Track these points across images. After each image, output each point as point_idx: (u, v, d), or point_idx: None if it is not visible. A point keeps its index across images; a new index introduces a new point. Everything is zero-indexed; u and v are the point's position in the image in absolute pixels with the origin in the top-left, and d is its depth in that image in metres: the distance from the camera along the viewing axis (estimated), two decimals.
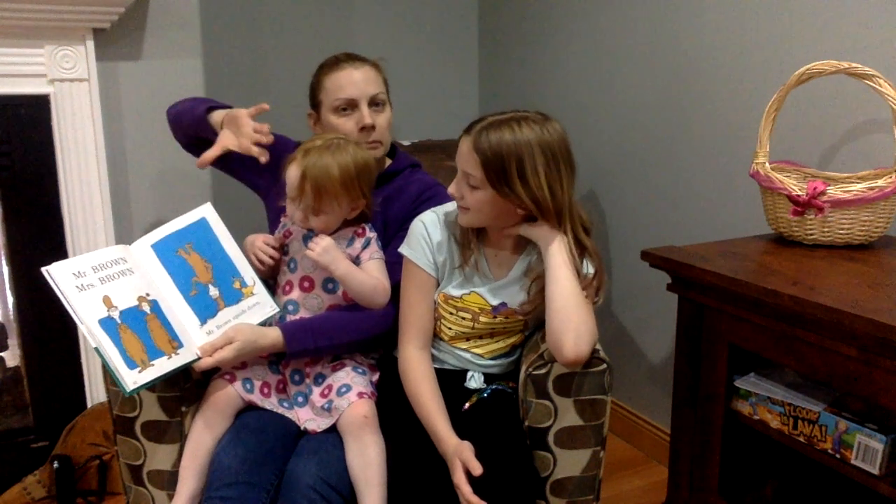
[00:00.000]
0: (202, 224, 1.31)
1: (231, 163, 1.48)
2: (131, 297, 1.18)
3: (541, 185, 1.17)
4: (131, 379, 1.12)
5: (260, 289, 1.34)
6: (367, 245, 1.37)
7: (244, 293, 1.32)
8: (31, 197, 1.83)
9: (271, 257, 1.38)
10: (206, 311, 1.26)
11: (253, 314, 1.32)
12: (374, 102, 1.44)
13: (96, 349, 1.12)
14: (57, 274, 1.12)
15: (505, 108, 2.80)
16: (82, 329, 1.12)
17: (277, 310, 1.35)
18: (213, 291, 1.28)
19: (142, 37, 1.90)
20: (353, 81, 1.43)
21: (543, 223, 1.22)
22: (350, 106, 1.43)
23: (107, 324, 1.13)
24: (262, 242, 1.38)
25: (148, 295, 1.21)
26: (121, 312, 1.16)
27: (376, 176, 1.41)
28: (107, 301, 1.15)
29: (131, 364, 1.12)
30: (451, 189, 1.25)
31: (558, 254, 1.20)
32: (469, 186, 1.22)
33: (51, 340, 1.90)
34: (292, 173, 1.30)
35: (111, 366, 1.11)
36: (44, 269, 1.12)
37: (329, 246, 1.30)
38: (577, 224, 1.23)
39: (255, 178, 1.53)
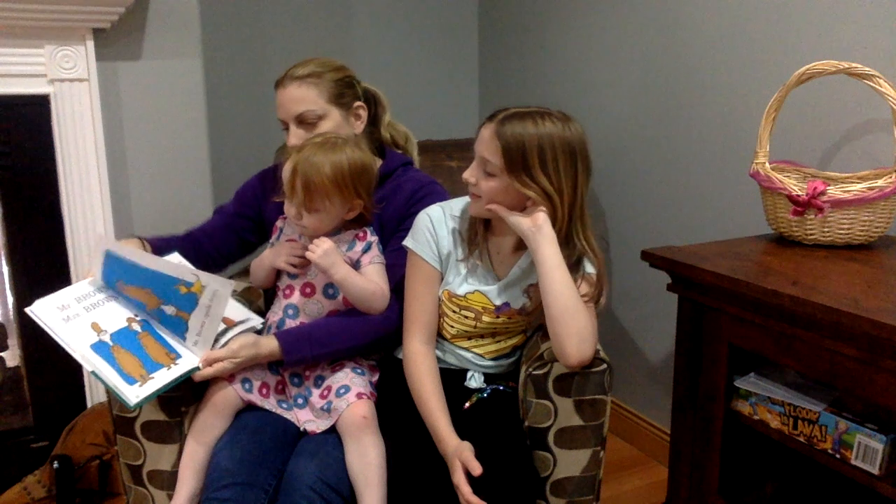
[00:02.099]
0: (111, 257, 1.25)
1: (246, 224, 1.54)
2: (120, 319, 1.20)
3: (560, 177, 1.18)
4: (133, 393, 1.12)
5: (205, 275, 1.25)
6: (367, 249, 1.36)
7: (195, 291, 1.24)
8: (31, 197, 1.83)
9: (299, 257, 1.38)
10: (177, 329, 1.23)
11: (219, 304, 1.24)
12: (304, 121, 1.40)
13: (93, 373, 1.12)
14: (41, 310, 1.14)
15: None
16: (76, 357, 1.13)
17: (233, 284, 1.29)
18: (169, 309, 1.23)
19: (142, 37, 1.90)
20: (281, 103, 1.42)
21: (526, 214, 1.21)
22: (286, 126, 1.43)
23: (99, 347, 1.14)
24: (287, 255, 1.38)
25: (136, 316, 1.21)
26: (111, 335, 1.17)
27: (374, 181, 1.39)
28: (95, 327, 1.16)
29: (130, 380, 1.13)
30: (466, 174, 1.25)
31: (549, 253, 1.18)
32: (485, 173, 1.22)
33: (51, 340, 1.90)
34: (286, 169, 1.30)
35: (110, 385, 1.12)
36: (28, 310, 1.14)
37: (329, 249, 1.29)
38: (586, 225, 1.23)
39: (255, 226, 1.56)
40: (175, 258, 1.35)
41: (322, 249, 1.28)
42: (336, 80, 1.43)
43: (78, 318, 1.15)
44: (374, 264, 1.36)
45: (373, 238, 1.38)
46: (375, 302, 1.34)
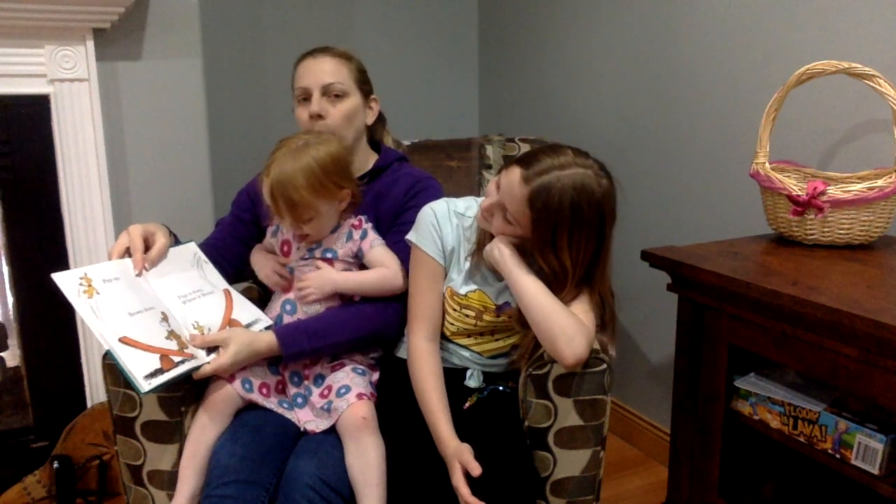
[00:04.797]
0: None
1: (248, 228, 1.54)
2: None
3: (582, 248, 1.17)
4: (145, 381, 1.12)
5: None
6: (364, 235, 1.37)
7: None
8: (31, 197, 1.83)
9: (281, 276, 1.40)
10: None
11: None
12: (329, 93, 1.42)
13: (108, 352, 1.12)
14: (65, 281, 1.14)
15: (504, 108, 2.78)
16: (94, 332, 1.13)
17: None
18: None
19: (142, 37, 1.90)
20: (310, 71, 1.43)
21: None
22: (307, 95, 1.44)
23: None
24: (272, 271, 1.40)
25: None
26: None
27: (350, 162, 1.39)
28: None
29: (143, 367, 1.13)
30: (485, 205, 1.24)
31: (512, 268, 1.20)
32: (504, 219, 1.20)
33: (51, 340, 1.90)
34: (265, 194, 1.30)
35: (125, 369, 1.11)
36: (54, 276, 1.14)
37: (318, 279, 1.32)
38: (606, 286, 1.23)
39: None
40: (191, 247, 1.38)
41: (314, 286, 1.31)
42: (361, 69, 1.49)
43: (100, 296, 1.15)
44: (376, 247, 1.37)
45: (367, 225, 1.39)
46: (389, 283, 1.34)
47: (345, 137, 1.43)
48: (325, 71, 1.42)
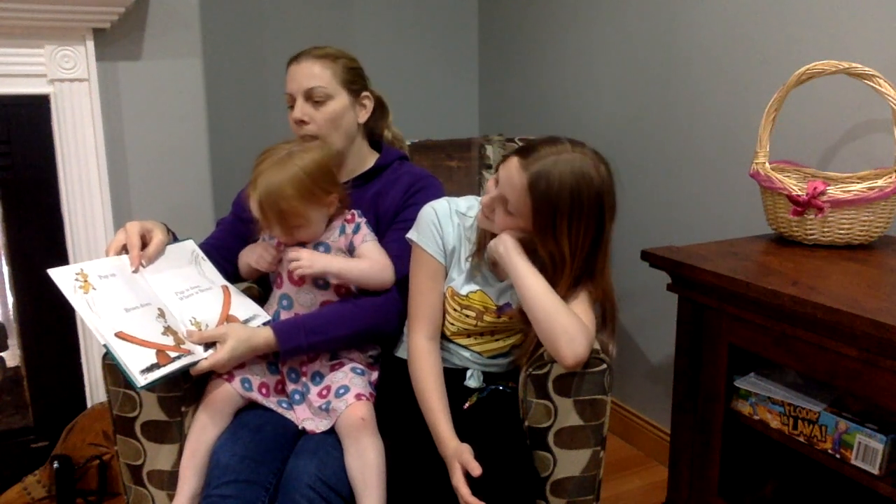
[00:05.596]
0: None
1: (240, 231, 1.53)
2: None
3: (581, 236, 1.16)
4: (141, 376, 1.12)
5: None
6: (357, 229, 1.37)
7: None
8: (31, 197, 1.83)
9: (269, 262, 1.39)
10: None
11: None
12: (311, 97, 1.42)
13: (105, 346, 1.12)
14: (61, 277, 1.14)
15: (504, 108, 2.79)
16: (90, 327, 1.13)
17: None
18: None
19: (142, 37, 1.90)
20: (292, 77, 1.43)
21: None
22: (291, 102, 1.44)
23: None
24: (258, 255, 1.39)
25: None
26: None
27: (336, 166, 1.40)
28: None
29: (139, 362, 1.13)
30: (485, 200, 1.24)
31: (517, 265, 1.19)
32: (505, 211, 1.20)
33: (51, 340, 1.91)
34: (252, 207, 1.30)
35: (120, 363, 1.11)
36: (50, 272, 1.14)
37: (311, 257, 1.30)
38: (606, 285, 1.23)
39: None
40: (189, 245, 1.38)
41: (304, 262, 1.28)
42: (349, 68, 1.46)
43: (96, 291, 1.15)
44: (367, 242, 1.36)
45: (361, 219, 1.39)
46: (378, 275, 1.34)
47: (333, 141, 1.43)
48: (307, 75, 1.41)
